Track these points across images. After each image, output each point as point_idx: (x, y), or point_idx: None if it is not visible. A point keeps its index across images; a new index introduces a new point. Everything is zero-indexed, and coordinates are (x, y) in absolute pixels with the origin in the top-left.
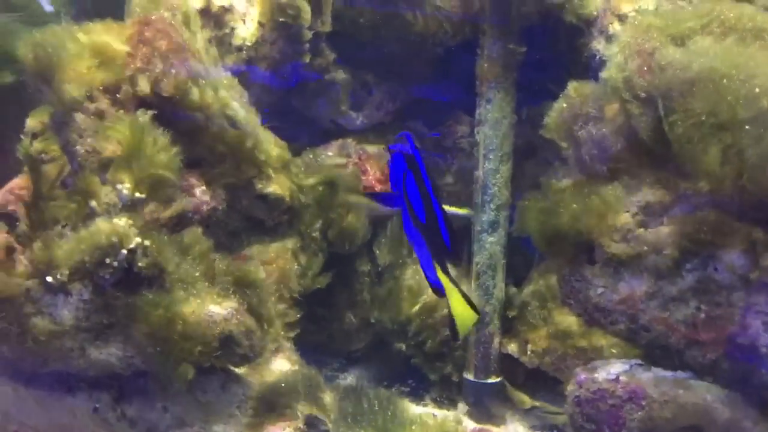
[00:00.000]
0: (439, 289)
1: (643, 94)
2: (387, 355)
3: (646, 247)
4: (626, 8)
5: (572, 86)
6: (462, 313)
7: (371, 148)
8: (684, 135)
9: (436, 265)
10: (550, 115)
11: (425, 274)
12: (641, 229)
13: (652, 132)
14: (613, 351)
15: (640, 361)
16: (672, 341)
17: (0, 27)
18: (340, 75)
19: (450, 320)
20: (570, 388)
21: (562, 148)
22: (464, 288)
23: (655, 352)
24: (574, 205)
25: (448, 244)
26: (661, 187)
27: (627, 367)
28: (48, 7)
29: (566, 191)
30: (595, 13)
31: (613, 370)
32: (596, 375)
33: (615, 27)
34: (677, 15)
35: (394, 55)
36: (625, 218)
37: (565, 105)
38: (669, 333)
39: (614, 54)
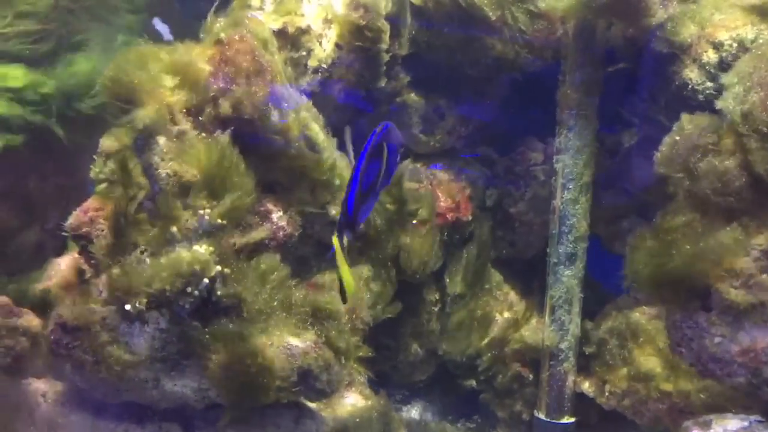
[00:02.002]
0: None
1: (765, 129)
2: (450, 386)
3: None
4: (723, 36)
5: (686, 117)
6: (348, 281)
7: (442, 174)
8: None
9: (336, 234)
10: (661, 149)
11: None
12: (764, 275)
13: None
14: (701, 396)
15: (760, 417)
16: None
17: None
18: (413, 98)
19: (340, 284)
20: None
21: (671, 182)
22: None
23: None
24: (688, 246)
25: (350, 213)
26: None
27: (746, 423)
28: (168, 36)
29: (678, 230)
30: (689, 40)
31: (730, 427)
32: (711, 431)
33: (710, 55)
34: None
35: (468, 79)
36: (745, 263)
37: (678, 138)
38: None
39: (732, 84)
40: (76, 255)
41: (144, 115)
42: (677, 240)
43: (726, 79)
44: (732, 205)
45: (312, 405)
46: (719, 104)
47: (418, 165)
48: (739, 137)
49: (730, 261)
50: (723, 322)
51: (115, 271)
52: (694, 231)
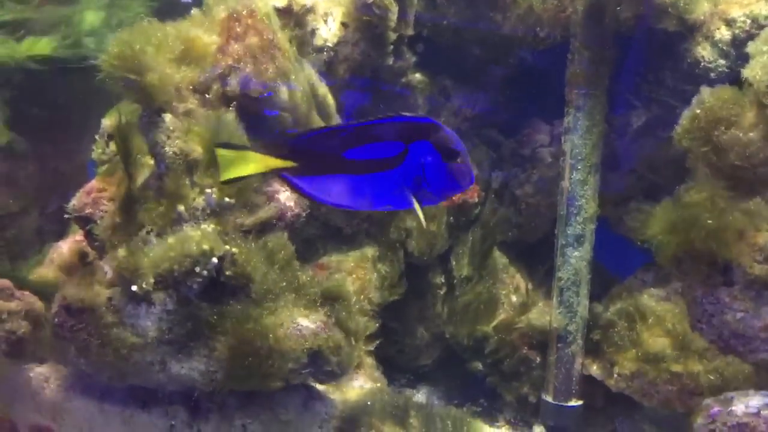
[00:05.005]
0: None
1: None
2: (455, 370)
3: None
4: (736, 13)
5: (706, 90)
6: (231, 159)
7: None
8: None
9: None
10: (681, 123)
11: None
12: None
13: None
14: (710, 377)
15: None
16: None
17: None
18: (418, 79)
19: (228, 147)
20: (700, 421)
21: (691, 157)
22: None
23: None
24: (710, 221)
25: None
26: None
27: None
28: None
29: (699, 205)
30: (701, 17)
31: (753, 403)
32: (733, 408)
33: (722, 32)
34: None
35: (475, 60)
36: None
37: (698, 111)
38: None
39: (759, 52)
40: (78, 238)
41: (148, 92)
42: (699, 214)
43: (753, 47)
44: (756, 178)
45: (321, 387)
46: (745, 73)
47: None
48: (763, 109)
49: (753, 235)
50: (745, 297)
51: (121, 251)
52: (716, 206)
